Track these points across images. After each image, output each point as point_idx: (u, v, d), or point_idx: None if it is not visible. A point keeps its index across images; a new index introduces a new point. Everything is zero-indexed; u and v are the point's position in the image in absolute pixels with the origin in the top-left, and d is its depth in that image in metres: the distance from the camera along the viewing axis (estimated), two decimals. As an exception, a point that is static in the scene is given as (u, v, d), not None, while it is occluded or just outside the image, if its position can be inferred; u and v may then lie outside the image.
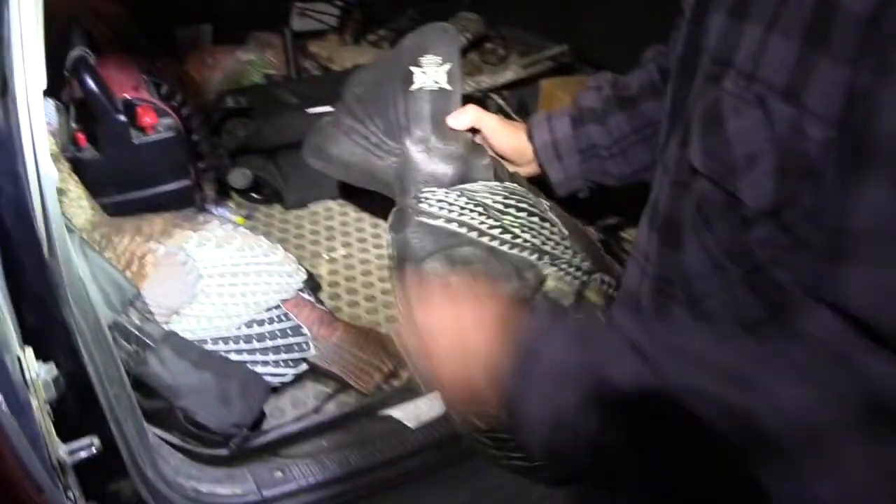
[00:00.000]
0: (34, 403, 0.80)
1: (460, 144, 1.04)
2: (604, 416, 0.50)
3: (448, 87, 1.03)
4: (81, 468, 0.88)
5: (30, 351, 0.81)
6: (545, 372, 0.54)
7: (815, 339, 0.46)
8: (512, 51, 2.16)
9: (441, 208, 0.91)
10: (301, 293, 1.28)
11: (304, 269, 1.31)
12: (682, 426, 0.46)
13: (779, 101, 0.54)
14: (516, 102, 2.07)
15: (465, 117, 1.05)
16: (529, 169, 1.09)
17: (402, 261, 0.88)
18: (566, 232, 0.94)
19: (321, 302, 1.34)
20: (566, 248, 0.90)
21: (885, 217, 0.44)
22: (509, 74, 2.05)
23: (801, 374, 0.45)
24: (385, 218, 1.68)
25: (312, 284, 1.35)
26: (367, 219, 1.71)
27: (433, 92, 1.02)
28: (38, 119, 0.78)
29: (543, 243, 0.89)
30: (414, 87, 1.01)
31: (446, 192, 0.95)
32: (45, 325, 0.84)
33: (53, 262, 0.82)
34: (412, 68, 1.02)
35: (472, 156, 1.04)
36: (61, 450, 0.84)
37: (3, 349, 0.74)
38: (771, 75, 0.54)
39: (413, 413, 1.23)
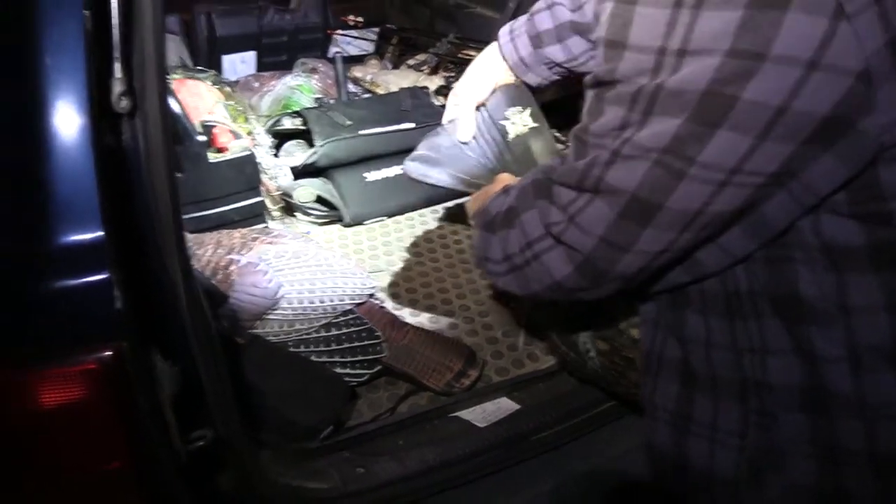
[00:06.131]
0: (161, 397, 0.87)
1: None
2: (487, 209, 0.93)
3: (535, 124, 1.20)
4: (193, 458, 0.95)
5: (156, 349, 0.88)
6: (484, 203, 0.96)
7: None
8: (550, 72, 2.24)
9: None
10: (373, 299, 1.35)
11: (373, 277, 1.39)
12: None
13: None
14: (555, 123, 2.14)
15: (468, 124, 1.19)
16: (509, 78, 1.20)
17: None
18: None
19: (387, 310, 1.42)
20: None
21: None
22: (548, 95, 2.13)
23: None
24: (438, 235, 1.77)
25: (381, 293, 1.42)
26: (422, 234, 1.78)
27: (526, 133, 1.20)
28: (166, 136, 0.86)
29: None
30: (510, 136, 1.18)
31: None
32: (166, 325, 0.92)
33: (173, 267, 0.90)
34: (503, 122, 1.19)
35: None
36: (180, 440, 0.91)
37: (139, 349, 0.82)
38: None
39: (481, 414, 1.30)
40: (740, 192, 0.67)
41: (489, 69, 1.19)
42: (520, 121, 1.18)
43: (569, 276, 0.78)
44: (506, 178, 1.07)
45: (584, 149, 0.75)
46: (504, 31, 1.18)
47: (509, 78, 1.20)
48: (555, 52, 1.14)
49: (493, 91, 1.20)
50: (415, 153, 1.24)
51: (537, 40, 1.14)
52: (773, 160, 0.65)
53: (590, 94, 0.76)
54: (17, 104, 0.79)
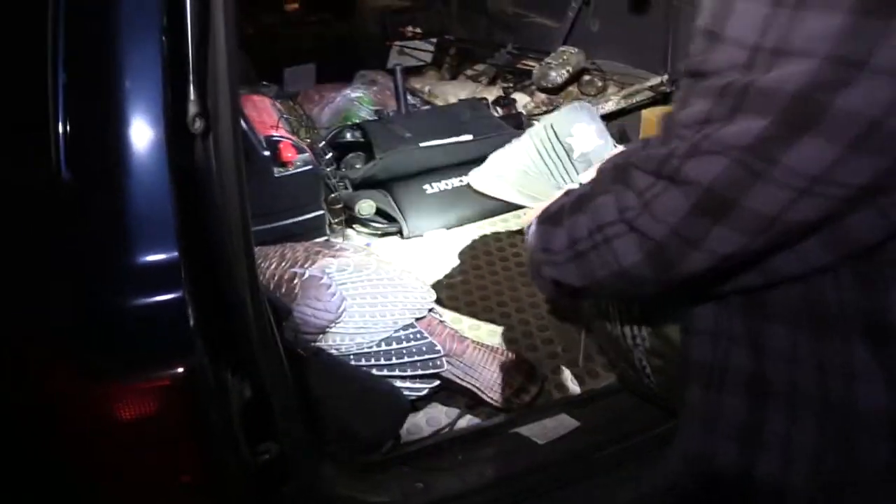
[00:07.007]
0: (231, 412, 0.89)
1: None
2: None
3: (601, 140, 1.21)
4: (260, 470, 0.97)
5: (225, 364, 0.90)
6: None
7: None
8: (610, 82, 2.23)
9: None
10: (432, 313, 1.36)
11: (433, 291, 1.39)
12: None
13: None
14: (617, 132, 2.12)
15: None
16: None
17: None
18: None
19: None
20: None
21: None
22: (610, 105, 2.11)
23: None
24: (496, 247, 1.77)
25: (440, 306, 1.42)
26: (480, 247, 1.78)
27: (591, 150, 1.21)
28: (237, 156, 0.88)
29: None
30: (575, 155, 1.20)
31: None
32: (234, 340, 0.94)
33: (242, 283, 0.92)
34: (569, 140, 1.21)
35: None
36: (249, 452, 0.93)
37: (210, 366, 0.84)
38: None
39: (541, 430, 1.29)
40: (822, 202, 0.64)
41: None
42: (585, 138, 1.18)
43: (637, 263, 0.75)
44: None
45: (669, 137, 0.73)
46: None
47: None
48: None
49: (559, 109, 1.21)
50: (482, 167, 1.25)
51: None
52: (860, 173, 0.62)
53: (683, 84, 0.74)
54: (99, 126, 0.82)
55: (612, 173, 0.80)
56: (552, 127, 1.20)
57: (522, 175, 1.20)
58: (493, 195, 1.23)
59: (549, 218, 0.89)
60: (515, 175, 1.21)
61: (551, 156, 1.19)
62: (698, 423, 0.88)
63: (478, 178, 1.24)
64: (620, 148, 1.20)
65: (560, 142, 1.19)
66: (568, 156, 1.18)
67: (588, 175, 1.17)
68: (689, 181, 0.69)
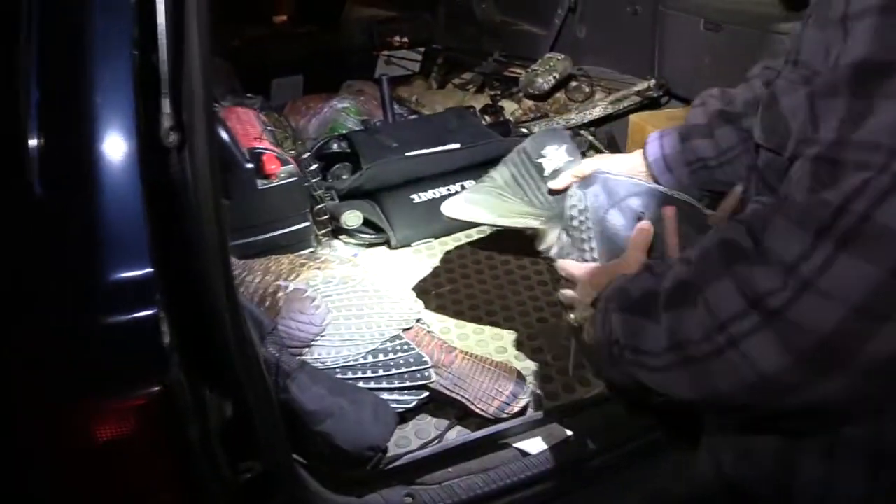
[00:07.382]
0: (210, 430, 0.87)
1: None
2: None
3: (570, 158, 1.22)
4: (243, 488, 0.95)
5: (204, 381, 0.88)
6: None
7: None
8: (597, 88, 2.22)
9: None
10: (420, 324, 1.34)
11: (421, 302, 1.38)
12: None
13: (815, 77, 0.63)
14: (605, 138, 2.12)
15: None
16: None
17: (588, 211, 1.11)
18: None
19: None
20: None
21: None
22: (597, 111, 2.11)
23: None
24: (485, 256, 1.76)
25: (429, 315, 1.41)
26: (469, 255, 1.77)
27: (561, 167, 1.22)
28: (213, 169, 0.86)
29: None
30: (546, 172, 1.22)
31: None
32: (214, 356, 0.92)
33: (219, 298, 0.90)
34: (540, 160, 1.23)
35: None
36: (230, 471, 0.91)
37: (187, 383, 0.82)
38: (808, 59, 0.65)
39: (531, 440, 1.28)
40: None
41: (620, 160, 1.16)
42: (556, 156, 1.21)
43: (784, 367, 0.56)
44: (637, 260, 0.92)
45: (836, 173, 0.53)
46: (653, 135, 1.16)
47: (637, 174, 1.16)
48: (702, 146, 1.09)
49: (535, 133, 1.22)
50: (455, 196, 1.29)
51: (686, 134, 1.11)
52: None
53: (841, 95, 0.55)
54: (71, 141, 0.80)
55: (723, 251, 0.62)
56: (524, 151, 1.23)
57: (495, 196, 1.23)
58: (464, 219, 1.26)
59: (636, 306, 0.71)
60: (487, 197, 1.23)
61: (524, 175, 1.23)
62: (731, 443, 0.81)
63: (449, 206, 1.27)
64: (590, 161, 1.19)
65: (532, 163, 1.22)
66: (539, 174, 1.21)
67: (555, 183, 1.18)
68: (884, 231, 0.51)
